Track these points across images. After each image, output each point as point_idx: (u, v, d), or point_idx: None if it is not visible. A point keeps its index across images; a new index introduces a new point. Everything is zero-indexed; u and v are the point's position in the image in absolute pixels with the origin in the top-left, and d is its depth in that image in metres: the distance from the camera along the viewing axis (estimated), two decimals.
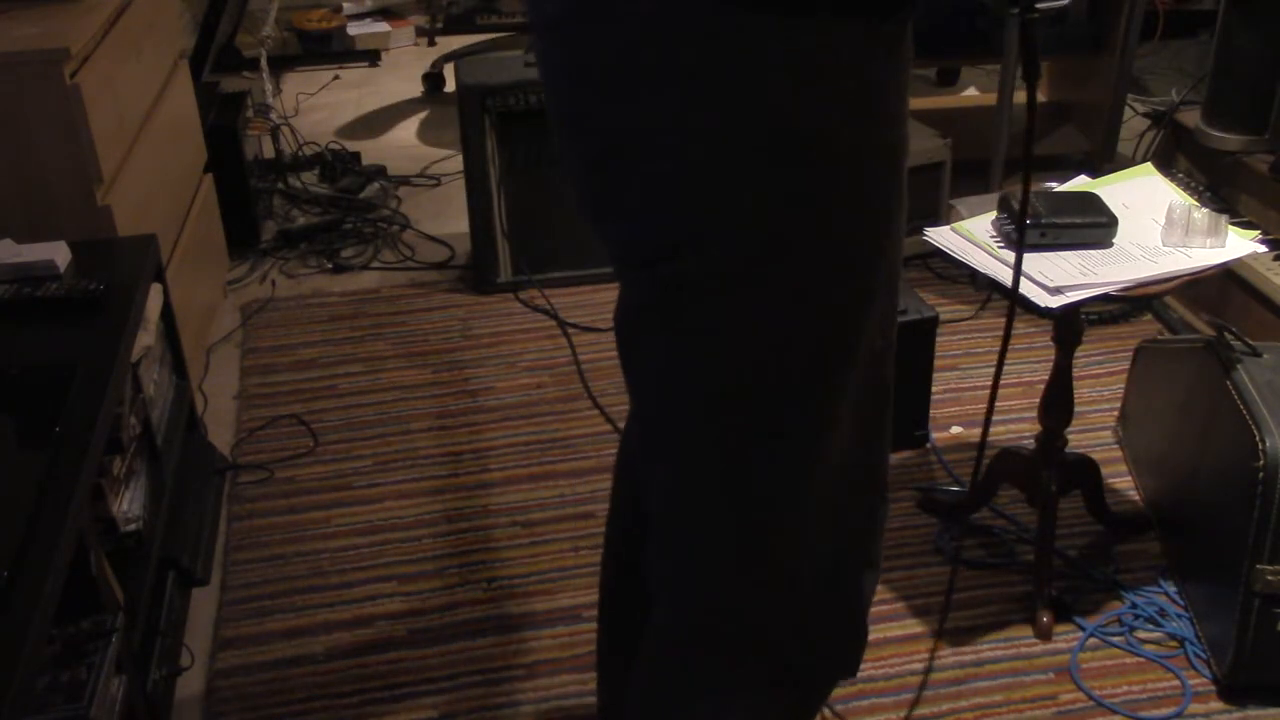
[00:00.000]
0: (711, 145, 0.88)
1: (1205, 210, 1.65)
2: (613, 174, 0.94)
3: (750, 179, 0.89)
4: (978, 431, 2.20)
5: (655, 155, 0.90)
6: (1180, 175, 2.47)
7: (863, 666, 1.70)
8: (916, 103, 3.46)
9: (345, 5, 4.35)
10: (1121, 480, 2.07)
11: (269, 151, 3.21)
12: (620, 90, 0.89)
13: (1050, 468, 1.79)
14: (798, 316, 0.94)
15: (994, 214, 1.68)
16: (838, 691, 1.66)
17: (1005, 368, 2.33)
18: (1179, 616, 1.78)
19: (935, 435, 2.19)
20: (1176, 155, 2.54)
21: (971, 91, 3.73)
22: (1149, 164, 1.86)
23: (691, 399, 1.00)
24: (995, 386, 1.16)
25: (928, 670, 1.69)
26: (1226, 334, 1.74)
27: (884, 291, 0.99)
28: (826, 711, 1.63)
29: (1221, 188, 2.38)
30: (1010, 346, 2.41)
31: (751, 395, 0.98)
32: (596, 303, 2.64)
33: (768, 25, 0.83)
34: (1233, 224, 1.66)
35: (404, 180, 3.26)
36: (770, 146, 0.87)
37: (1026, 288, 1.55)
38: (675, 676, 1.15)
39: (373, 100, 3.88)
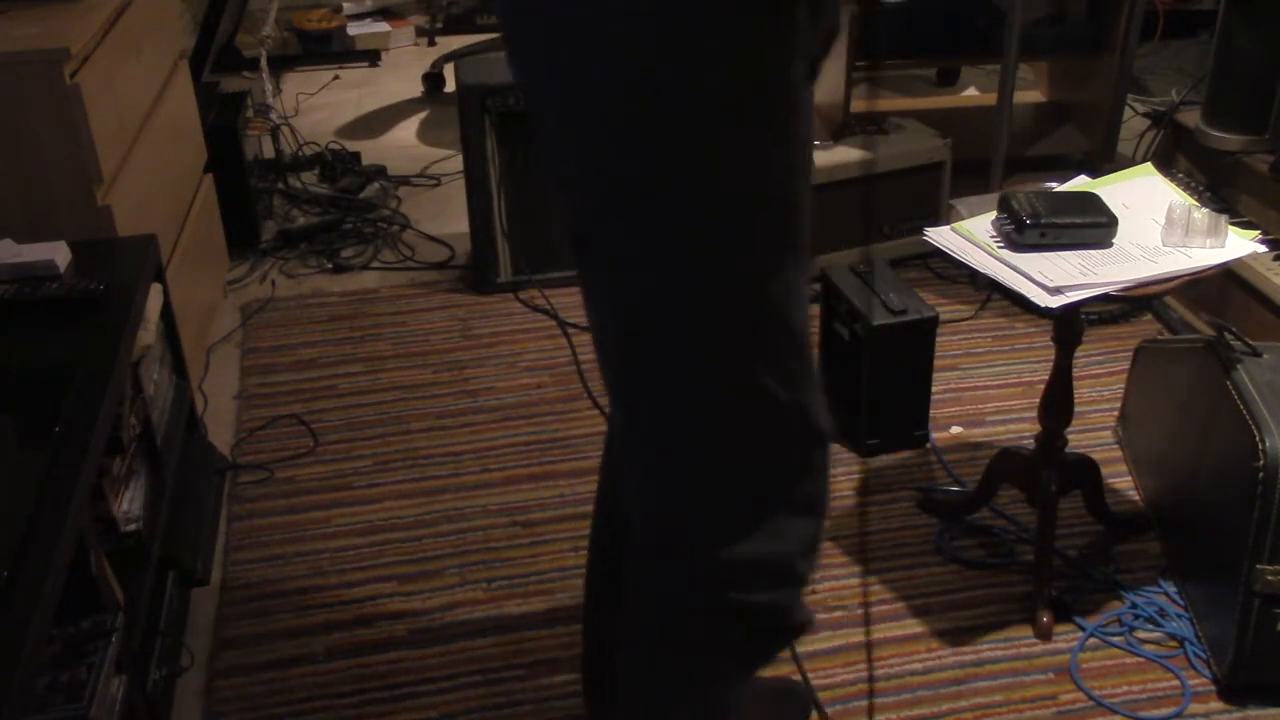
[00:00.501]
0: (611, 111, 0.92)
1: (1205, 210, 1.65)
2: (544, 140, 1.01)
3: (647, 139, 0.92)
4: (978, 431, 2.21)
5: (567, 119, 0.96)
6: (1180, 175, 2.47)
7: (861, 666, 1.71)
8: (916, 103, 3.49)
9: (345, 5, 4.35)
10: (1121, 480, 2.07)
11: (269, 151, 3.21)
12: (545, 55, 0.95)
13: (1050, 468, 1.79)
14: (690, 278, 0.97)
15: (994, 214, 1.68)
16: (838, 691, 1.67)
17: (1006, 368, 2.36)
18: (1179, 616, 1.78)
19: (935, 435, 2.19)
20: (1176, 155, 2.54)
21: (971, 91, 3.72)
22: (1149, 164, 1.86)
23: (618, 357, 1.05)
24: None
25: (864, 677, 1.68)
26: (1226, 334, 1.74)
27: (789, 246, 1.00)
28: (824, 713, 1.63)
29: (1221, 188, 2.38)
30: (1010, 346, 2.44)
31: (672, 366, 1.01)
32: None
33: None
34: (1233, 224, 1.66)
35: (404, 180, 3.26)
36: (666, 108, 0.90)
37: (1026, 288, 1.55)
38: (653, 673, 1.17)
39: (373, 100, 3.88)
